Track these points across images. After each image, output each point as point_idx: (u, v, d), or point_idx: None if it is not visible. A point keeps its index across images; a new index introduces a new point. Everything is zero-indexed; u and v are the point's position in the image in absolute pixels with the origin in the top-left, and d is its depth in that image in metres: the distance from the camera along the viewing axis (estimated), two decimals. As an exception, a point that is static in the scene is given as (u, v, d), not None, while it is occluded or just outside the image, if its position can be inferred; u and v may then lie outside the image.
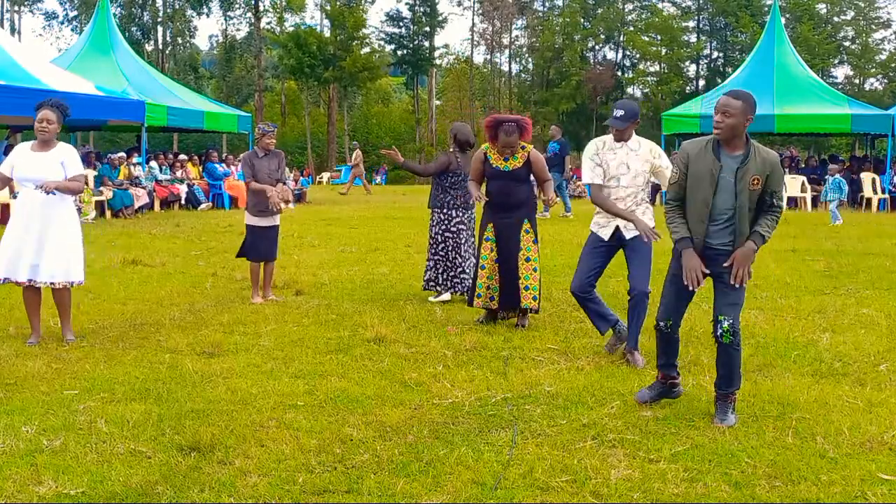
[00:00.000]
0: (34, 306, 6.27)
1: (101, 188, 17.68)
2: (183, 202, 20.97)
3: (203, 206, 20.95)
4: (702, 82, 54.99)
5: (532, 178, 7.04)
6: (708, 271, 4.45)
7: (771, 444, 4.22)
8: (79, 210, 14.52)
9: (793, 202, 22.17)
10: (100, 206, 17.46)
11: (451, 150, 8.24)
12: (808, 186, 22.38)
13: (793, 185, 22.38)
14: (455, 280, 8.11)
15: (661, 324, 4.71)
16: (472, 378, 5.38)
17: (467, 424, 4.50)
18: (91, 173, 18.09)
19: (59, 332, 6.42)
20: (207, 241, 13.37)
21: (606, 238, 5.85)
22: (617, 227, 5.81)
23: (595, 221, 5.94)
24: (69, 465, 3.83)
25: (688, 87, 54.56)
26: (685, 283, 4.44)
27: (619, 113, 5.69)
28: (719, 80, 42.15)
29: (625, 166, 5.76)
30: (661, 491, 3.65)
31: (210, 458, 3.93)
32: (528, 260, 6.90)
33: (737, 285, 4.39)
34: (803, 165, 25.92)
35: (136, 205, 18.27)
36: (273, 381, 5.25)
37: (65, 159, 6.18)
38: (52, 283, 6.20)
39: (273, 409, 4.71)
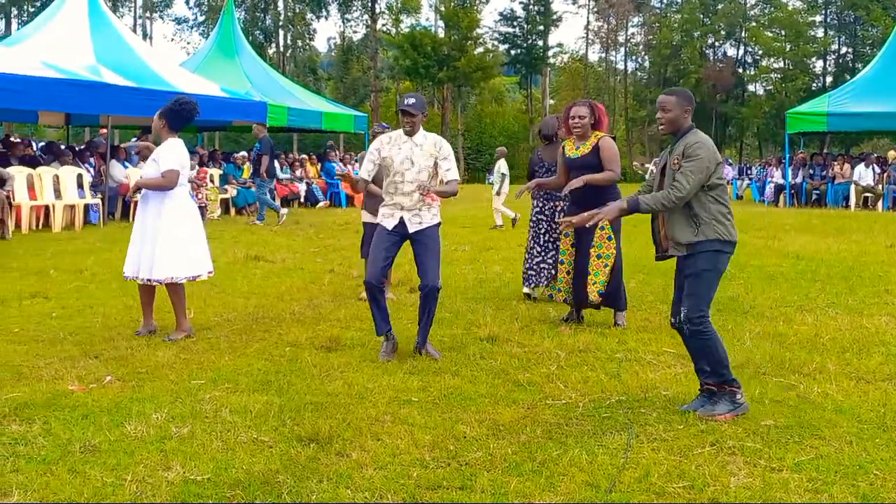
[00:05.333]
0: (147, 300, 6.46)
1: (227, 186, 18.36)
2: (302, 200, 21.57)
3: (321, 204, 21.50)
4: (829, 79, 52.75)
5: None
6: (577, 221, 4.81)
7: (903, 457, 4.02)
8: (204, 207, 15.21)
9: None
10: (224, 204, 18.14)
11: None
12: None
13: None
14: (531, 272, 8.00)
15: (671, 320, 4.81)
16: (586, 379, 5.34)
17: (581, 426, 4.47)
18: (217, 172, 18.85)
19: (191, 324, 6.61)
20: (325, 238, 13.71)
21: (391, 228, 5.89)
22: (401, 219, 5.87)
23: (381, 213, 6.01)
24: (196, 452, 3.99)
25: (814, 84, 52.45)
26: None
27: (411, 101, 5.76)
28: (848, 77, 40.28)
29: (409, 161, 5.81)
30: (784, 501, 3.53)
31: (328, 450, 4.03)
32: (599, 257, 6.82)
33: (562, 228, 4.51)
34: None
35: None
36: (388, 377, 5.34)
37: (158, 156, 6.26)
38: (159, 281, 6.25)
39: (388, 403, 4.79)
